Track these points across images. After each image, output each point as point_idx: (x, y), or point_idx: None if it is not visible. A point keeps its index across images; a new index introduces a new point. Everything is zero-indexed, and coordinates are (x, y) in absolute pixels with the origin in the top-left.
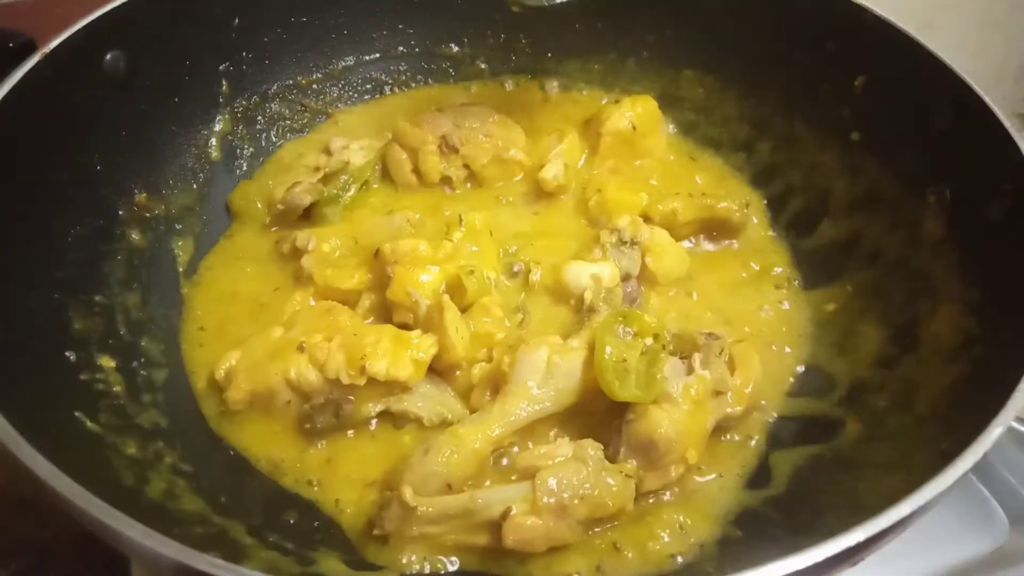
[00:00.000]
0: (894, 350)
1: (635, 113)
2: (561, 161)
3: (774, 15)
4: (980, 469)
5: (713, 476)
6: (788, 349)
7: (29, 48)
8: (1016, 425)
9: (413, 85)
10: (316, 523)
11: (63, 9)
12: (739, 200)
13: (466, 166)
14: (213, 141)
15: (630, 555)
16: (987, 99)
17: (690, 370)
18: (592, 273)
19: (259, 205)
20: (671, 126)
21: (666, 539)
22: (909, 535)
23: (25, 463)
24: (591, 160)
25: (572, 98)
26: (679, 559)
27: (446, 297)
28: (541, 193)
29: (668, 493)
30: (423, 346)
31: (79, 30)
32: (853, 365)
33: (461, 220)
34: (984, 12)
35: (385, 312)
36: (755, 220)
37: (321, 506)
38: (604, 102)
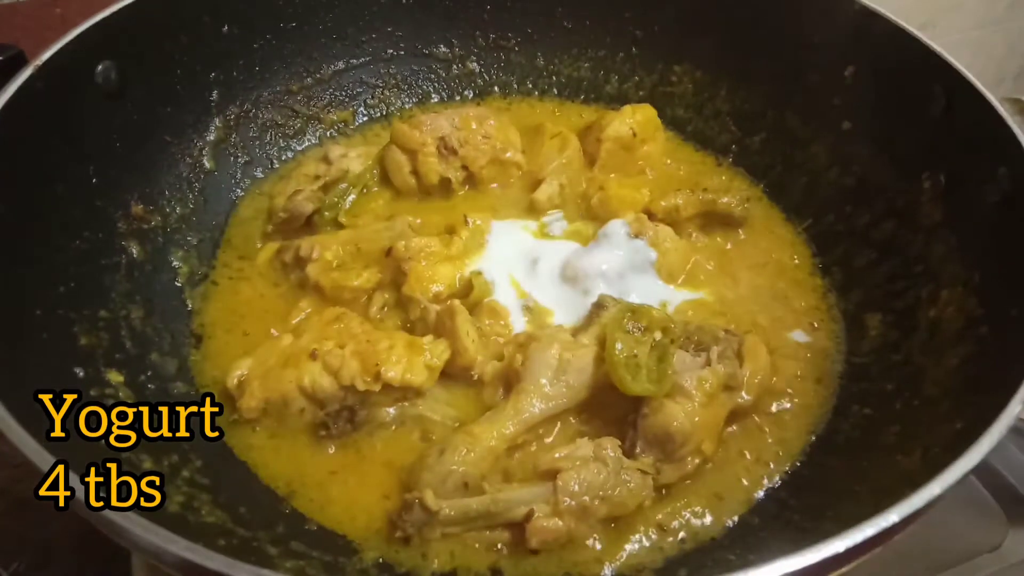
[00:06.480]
0: (897, 334)
1: (635, 120)
2: (556, 182)
3: (760, 8)
4: (979, 468)
5: (727, 463)
6: (793, 337)
7: (19, 60)
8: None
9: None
10: (337, 529)
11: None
12: (739, 194)
13: (465, 168)
14: (207, 150)
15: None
16: (978, 84)
17: (707, 362)
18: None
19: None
20: (664, 123)
21: (683, 525)
22: (907, 534)
23: None
24: (591, 166)
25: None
26: (695, 546)
27: (457, 302)
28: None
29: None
30: (436, 351)
31: (71, 41)
32: (857, 350)
33: (467, 220)
34: (984, 12)
35: (400, 308)
36: (754, 213)
37: (341, 511)
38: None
